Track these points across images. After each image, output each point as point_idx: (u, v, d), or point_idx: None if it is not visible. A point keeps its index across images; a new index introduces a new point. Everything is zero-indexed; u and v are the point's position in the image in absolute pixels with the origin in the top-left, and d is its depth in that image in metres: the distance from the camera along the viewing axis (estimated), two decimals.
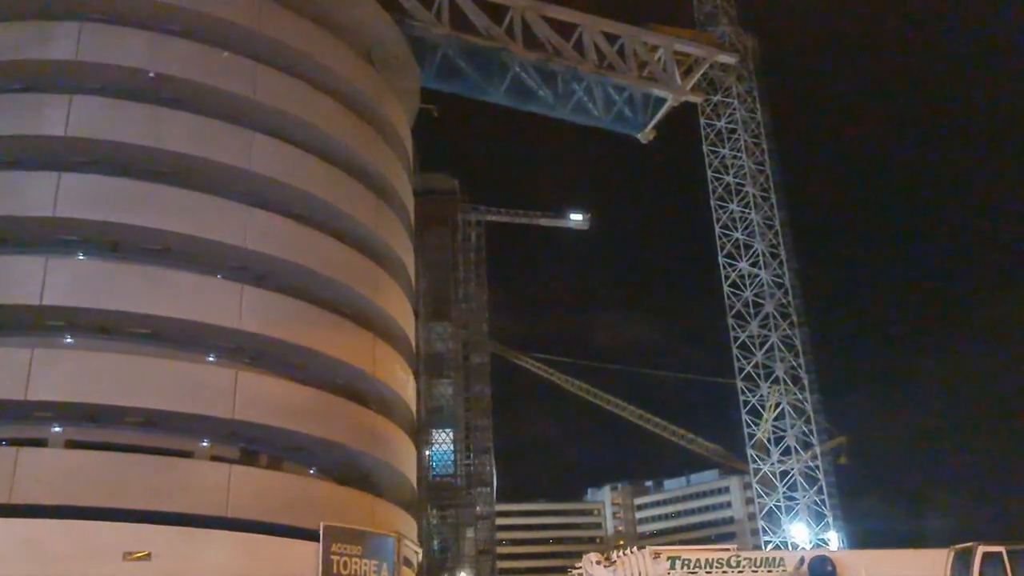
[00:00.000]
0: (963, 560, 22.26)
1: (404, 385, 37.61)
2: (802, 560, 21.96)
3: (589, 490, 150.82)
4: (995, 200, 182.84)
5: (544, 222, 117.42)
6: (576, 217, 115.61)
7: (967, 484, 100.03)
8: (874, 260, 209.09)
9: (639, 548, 22.02)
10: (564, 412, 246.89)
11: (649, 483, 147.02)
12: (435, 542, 56.70)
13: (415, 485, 39.15)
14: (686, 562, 21.89)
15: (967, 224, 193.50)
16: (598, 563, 21.81)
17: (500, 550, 79.03)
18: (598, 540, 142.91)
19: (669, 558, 21.84)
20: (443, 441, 60.74)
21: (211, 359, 32.20)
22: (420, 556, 38.67)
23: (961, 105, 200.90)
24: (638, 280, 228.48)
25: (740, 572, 21.99)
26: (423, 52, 56.85)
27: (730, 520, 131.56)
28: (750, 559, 22.30)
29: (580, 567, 22.69)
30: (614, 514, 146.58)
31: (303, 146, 35.23)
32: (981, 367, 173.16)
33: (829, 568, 21.89)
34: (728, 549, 22.58)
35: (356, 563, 32.13)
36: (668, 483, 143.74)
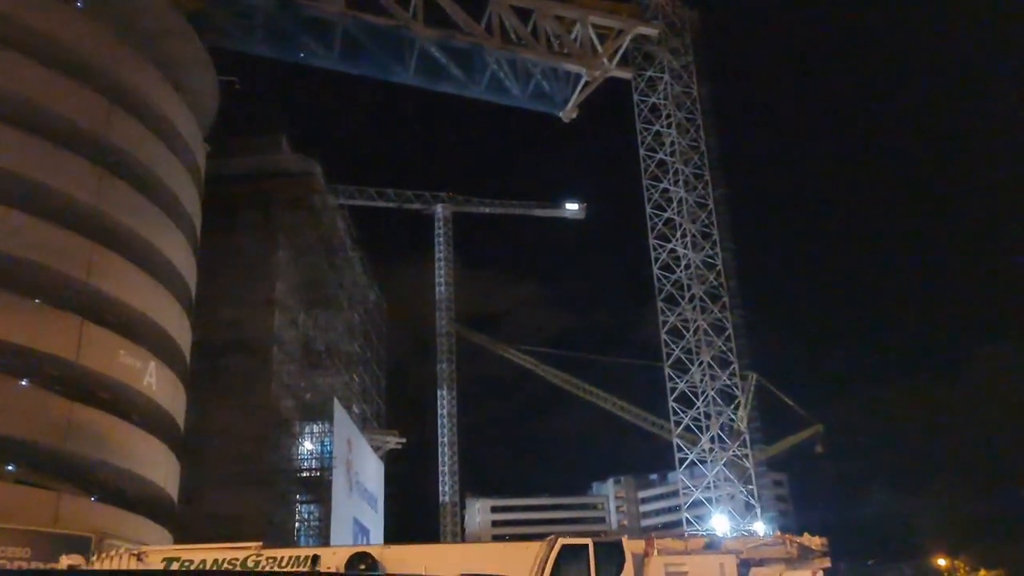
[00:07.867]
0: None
1: (135, 373, 34.75)
2: (314, 559, 18.60)
3: (593, 484, 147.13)
4: (951, 173, 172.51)
5: (539, 212, 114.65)
6: (572, 207, 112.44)
7: (955, 476, 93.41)
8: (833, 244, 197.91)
9: (126, 549, 18.92)
10: (566, 408, 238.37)
11: (654, 476, 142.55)
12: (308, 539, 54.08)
13: (161, 483, 36.28)
14: (186, 564, 18.73)
15: (925, 198, 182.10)
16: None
17: None
18: (602, 534, 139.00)
19: (165, 559, 18.73)
20: (319, 433, 57.93)
21: None
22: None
23: (917, 79, 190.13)
24: (597, 265, 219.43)
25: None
26: (325, 33, 54.15)
27: None
28: (274, 558, 18.90)
29: None
30: (618, 508, 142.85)
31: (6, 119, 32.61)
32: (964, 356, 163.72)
33: (363, 567, 18.68)
34: (249, 547, 19.24)
35: (25, 567, 29.68)
36: (672, 475, 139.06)
